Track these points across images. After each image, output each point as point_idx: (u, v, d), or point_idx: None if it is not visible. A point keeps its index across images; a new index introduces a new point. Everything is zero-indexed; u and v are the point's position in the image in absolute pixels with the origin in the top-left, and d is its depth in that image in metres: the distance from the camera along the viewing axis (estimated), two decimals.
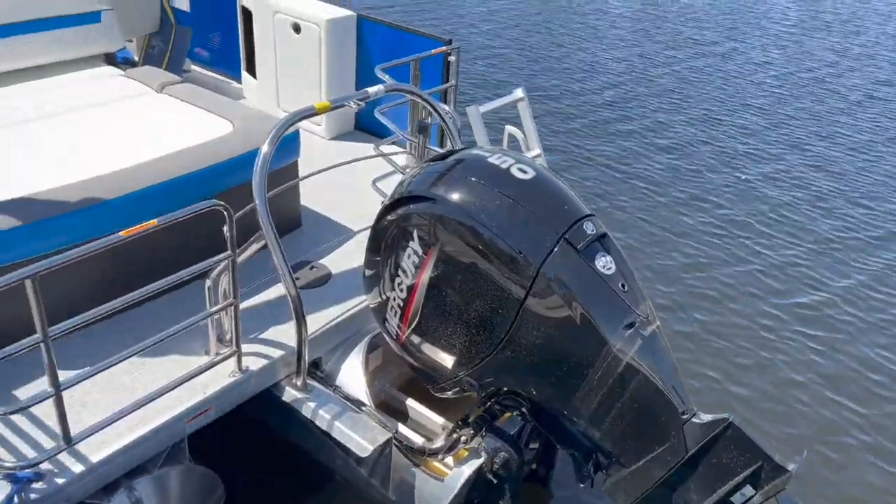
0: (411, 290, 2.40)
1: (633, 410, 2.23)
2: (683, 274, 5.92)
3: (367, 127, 4.76)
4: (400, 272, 2.43)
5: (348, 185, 4.05)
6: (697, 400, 2.38)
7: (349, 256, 3.47)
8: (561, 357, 2.24)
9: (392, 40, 4.37)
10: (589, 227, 2.26)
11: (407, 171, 4.02)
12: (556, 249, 2.20)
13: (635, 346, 2.21)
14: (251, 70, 4.91)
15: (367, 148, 4.53)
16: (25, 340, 1.92)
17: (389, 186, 4.22)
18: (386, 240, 2.51)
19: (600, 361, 2.20)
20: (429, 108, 3.09)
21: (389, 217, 2.50)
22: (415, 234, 2.38)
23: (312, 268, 3.35)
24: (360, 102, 2.74)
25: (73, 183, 2.75)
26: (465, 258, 2.27)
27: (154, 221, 2.15)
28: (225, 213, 2.35)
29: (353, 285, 3.27)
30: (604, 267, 2.23)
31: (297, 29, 4.41)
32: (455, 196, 2.31)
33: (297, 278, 3.29)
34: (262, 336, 2.89)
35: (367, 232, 3.56)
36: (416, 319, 2.43)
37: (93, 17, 3.88)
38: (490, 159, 2.38)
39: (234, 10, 5.00)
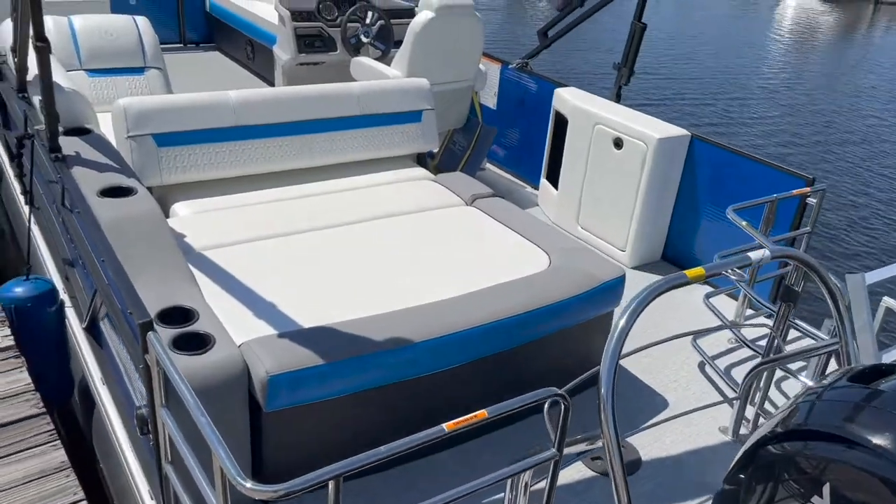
0: None
1: None
2: None
3: (676, 258, 4.09)
4: None
5: (659, 335, 3.40)
6: None
7: (661, 439, 2.78)
8: None
9: (729, 167, 3.70)
10: None
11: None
12: None
13: None
14: (552, 179, 4.51)
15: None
16: None
17: (713, 346, 3.53)
18: (761, 463, 1.81)
19: None
20: (816, 280, 2.35)
21: (774, 449, 1.80)
22: (825, 490, 1.65)
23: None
24: (739, 271, 2.10)
25: (380, 314, 2.42)
26: None
27: (484, 413, 1.67)
28: (563, 403, 1.82)
29: (669, 480, 2.58)
30: None
31: (618, 144, 3.91)
32: None
33: (598, 458, 2.68)
34: None
35: (701, 410, 2.89)
36: None
37: (415, 117, 3.71)
38: None
39: (544, 114, 4.68)
